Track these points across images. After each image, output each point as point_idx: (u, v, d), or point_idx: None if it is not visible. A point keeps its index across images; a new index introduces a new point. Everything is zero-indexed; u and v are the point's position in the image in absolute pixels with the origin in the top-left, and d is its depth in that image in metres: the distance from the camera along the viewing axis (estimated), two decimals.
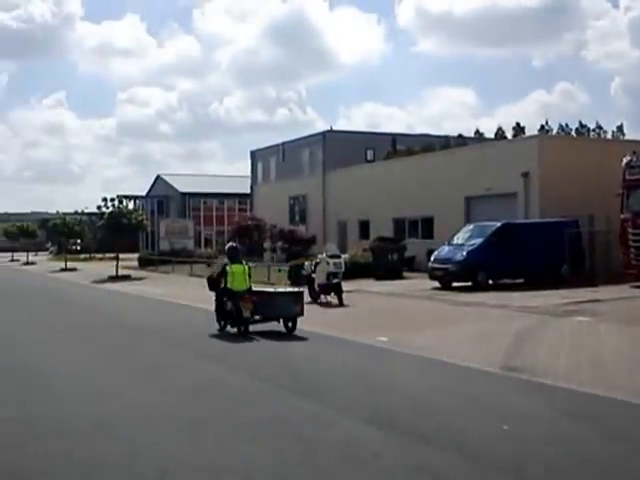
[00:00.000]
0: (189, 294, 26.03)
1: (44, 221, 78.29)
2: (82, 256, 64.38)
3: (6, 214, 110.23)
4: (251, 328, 15.63)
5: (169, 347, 14.27)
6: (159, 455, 6.76)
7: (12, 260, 66.13)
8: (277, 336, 15.46)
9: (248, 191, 56.98)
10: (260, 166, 54.78)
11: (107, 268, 42.77)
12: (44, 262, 61.57)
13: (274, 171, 52.86)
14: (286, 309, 16.01)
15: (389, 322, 17.61)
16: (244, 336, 15.20)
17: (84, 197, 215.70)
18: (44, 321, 19.04)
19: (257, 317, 15.89)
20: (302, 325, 16.85)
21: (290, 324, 15.88)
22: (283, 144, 51.64)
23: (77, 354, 13.47)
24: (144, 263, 47.83)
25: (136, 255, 52.76)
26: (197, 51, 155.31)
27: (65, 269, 48.33)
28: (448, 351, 12.83)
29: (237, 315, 15.54)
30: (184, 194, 67.76)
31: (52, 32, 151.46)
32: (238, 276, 15.87)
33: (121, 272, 39.21)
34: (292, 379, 10.68)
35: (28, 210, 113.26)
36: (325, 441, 7.29)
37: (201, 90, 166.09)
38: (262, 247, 44.87)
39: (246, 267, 16.25)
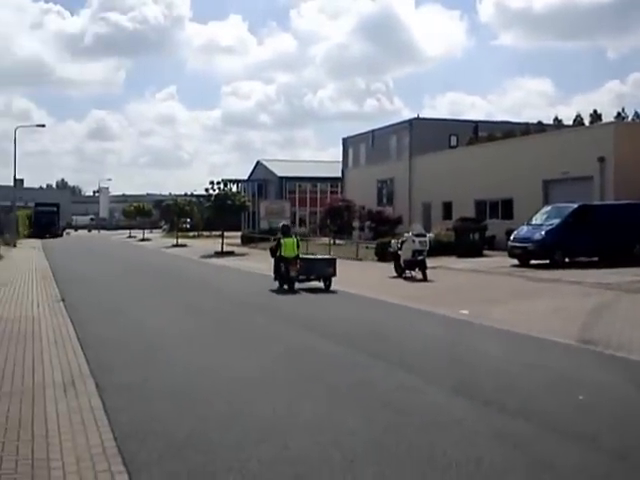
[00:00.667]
0: None
1: (158, 202, 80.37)
2: (191, 234, 65.68)
3: (124, 196, 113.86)
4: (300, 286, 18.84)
5: (268, 318, 14.38)
6: (258, 418, 6.78)
7: (129, 237, 68.10)
8: (365, 307, 15.47)
9: (339, 175, 56.98)
10: (351, 152, 54.61)
11: (213, 245, 43.54)
12: (158, 239, 63.13)
13: (364, 156, 52.59)
14: (322, 271, 19.48)
15: (470, 296, 17.32)
16: (292, 292, 18.46)
17: (192, 181, 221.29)
18: (160, 297, 19.44)
19: (302, 277, 19.20)
20: (389, 298, 16.84)
21: (327, 282, 19.24)
22: (372, 131, 51.38)
23: (188, 326, 13.70)
24: (246, 240, 48.58)
25: (239, 233, 53.55)
26: (293, 47, 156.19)
27: (176, 245, 49.45)
28: (526, 324, 12.53)
29: (286, 275, 18.89)
30: (281, 178, 68.29)
31: (164, 32, 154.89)
32: (289, 246, 19.11)
33: (226, 248, 39.86)
34: (381, 347, 10.59)
35: (144, 192, 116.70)
36: (411, 407, 7.19)
37: (297, 83, 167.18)
38: (351, 226, 44.83)
39: (295, 240, 19.53)
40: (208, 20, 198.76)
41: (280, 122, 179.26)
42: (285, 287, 18.84)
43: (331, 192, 63.33)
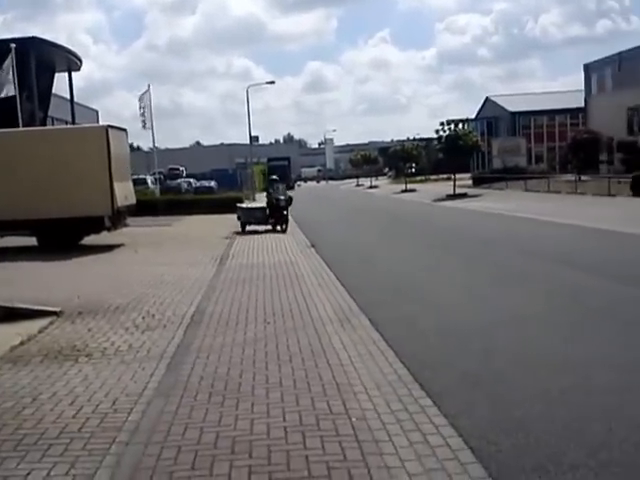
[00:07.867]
0: (526, 207, 25.78)
1: (382, 149, 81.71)
2: (418, 178, 66.06)
3: (348, 145, 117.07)
4: None
5: (524, 256, 14.15)
6: (546, 347, 6.86)
7: (357, 185, 70.01)
8: None
9: (578, 105, 54.04)
10: (594, 79, 51.45)
11: (443, 188, 43.55)
12: (385, 185, 64.32)
13: (610, 83, 49.36)
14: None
15: None
16: None
17: (412, 125, 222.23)
18: (399, 240, 19.84)
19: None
20: None
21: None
22: (619, 54, 48.01)
23: (443, 266, 13.89)
24: (478, 182, 48.04)
25: (467, 175, 52.92)
26: None
27: (405, 190, 50.06)
28: None
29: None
30: (514, 113, 66.08)
31: None
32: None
33: (457, 191, 39.73)
34: None
35: (365, 141, 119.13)
36: None
37: (516, 10, 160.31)
38: (598, 160, 42.63)
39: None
40: None
41: (501, 55, 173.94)
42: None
43: (571, 124, 60.28)
